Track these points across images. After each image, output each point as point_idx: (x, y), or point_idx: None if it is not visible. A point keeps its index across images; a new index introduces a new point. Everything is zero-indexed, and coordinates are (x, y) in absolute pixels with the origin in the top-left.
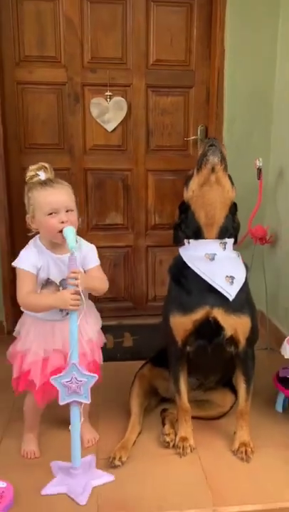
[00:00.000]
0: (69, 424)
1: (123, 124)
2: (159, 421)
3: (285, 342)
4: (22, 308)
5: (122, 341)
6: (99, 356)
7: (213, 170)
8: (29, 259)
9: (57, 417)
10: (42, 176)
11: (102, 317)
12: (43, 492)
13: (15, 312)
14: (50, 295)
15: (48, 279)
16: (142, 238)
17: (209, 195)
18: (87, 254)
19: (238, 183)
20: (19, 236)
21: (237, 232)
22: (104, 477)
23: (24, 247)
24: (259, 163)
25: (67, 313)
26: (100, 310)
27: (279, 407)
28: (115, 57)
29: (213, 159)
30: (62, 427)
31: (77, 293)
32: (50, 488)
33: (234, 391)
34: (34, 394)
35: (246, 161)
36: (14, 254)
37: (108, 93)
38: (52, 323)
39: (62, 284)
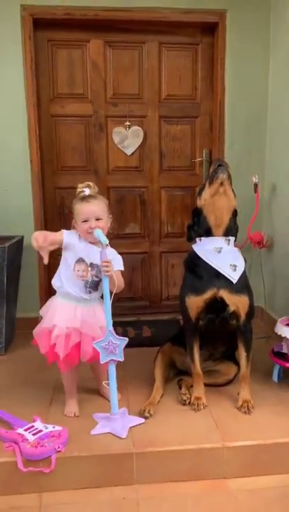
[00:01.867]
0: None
1: (140, 149)
2: (176, 388)
3: (278, 322)
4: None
5: (142, 332)
6: None
7: (221, 184)
8: (70, 233)
9: (88, 389)
10: (87, 191)
11: (123, 314)
12: (92, 433)
13: None
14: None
15: (81, 258)
16: (156, 245)
17: (218, 203)
18: (113, 260)
19: (238, 196)
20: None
21: (237, 232)
22: (137, 420)
23: (55, 257)
24: (255, 179)
25: (90, 292)
26: (121, 308)
27: (275, 378)
28: (133, 93)
29: (222, 176)
30: (93, 395)
31: (110, 277)
32: (97, 430)
33: (236, 364)
34: (58, 363)
35: (245, 178)
36: (50, 260)
37: (127, 123)
38: (74, 306)
39: (92, 266)
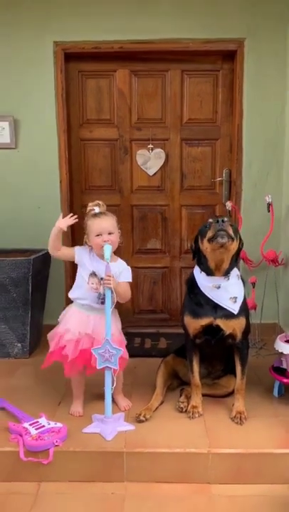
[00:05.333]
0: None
1: (162, 170)
2: (177, 397)
3: (278, 339)
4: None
5: (158, 344)
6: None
7: (222, 246)
8: (81, 249)
9: (95, 394)
10: (96, 209)
11: (142, 326)
12: (83, 431)
13: None
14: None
15: (93, 272)
16: (176, 260)
17: (218, 257)
18: (122, 272)
19: (255, 214)
20: None
21: (240, 251)
22: (128, 426)
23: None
24: (269, 199)
25: (102, 303)
26: (142, 320)
27: (275, 393)
28: (156, 118)
29: (222, 241)
30: (99, 399)
31: (110, 289)
32: (89, 429)
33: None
34: (64, 365)
35: (262, 196)
36: (75, 272)
37: (150, 146)
38: (88, 314)
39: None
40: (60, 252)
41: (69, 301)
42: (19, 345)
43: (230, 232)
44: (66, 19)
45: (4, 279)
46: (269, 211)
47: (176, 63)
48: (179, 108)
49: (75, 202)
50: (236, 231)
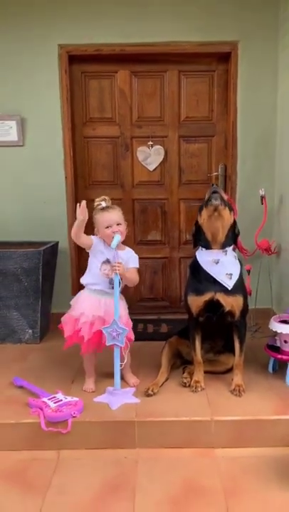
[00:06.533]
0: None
1: (161, 165)
2: (181, 374)
3: (272, 319)
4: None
5: (159, 329)
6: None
7: (215, 209)
8: (97, 239)
9: (105, 373)
10: (103, 203)
11: (145, 313)
12: (95, 400)
13: None
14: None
15: (108, 259)
16: (175, 251)
17: (214, 224)
18: (130, 258)
19: (249, 206)
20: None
21: (236, 238)
22: (134, 399)
23: (85, 259)
24: (262, 192)
25: (113, 287)
26: (144, 307)
27: (270, 369)
28: (155, 116)
29: (215, 202)
30: (109, 377)
31: (120, 275)
32: (99, 398)
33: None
34: (82, 345)
35: (256, 190)
36: (80, 263)
37: (150, 143)
38: (99, 298)
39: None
40: (81, 239)
41: (75, 289)
42: (30, 331)
43: (223, 195)
44: (70, 23)
45: (16, 270)
46: (262, 203)
47: (174, 64)
48: (177, 107)
49: (79, 196)
50: (230, 206)
